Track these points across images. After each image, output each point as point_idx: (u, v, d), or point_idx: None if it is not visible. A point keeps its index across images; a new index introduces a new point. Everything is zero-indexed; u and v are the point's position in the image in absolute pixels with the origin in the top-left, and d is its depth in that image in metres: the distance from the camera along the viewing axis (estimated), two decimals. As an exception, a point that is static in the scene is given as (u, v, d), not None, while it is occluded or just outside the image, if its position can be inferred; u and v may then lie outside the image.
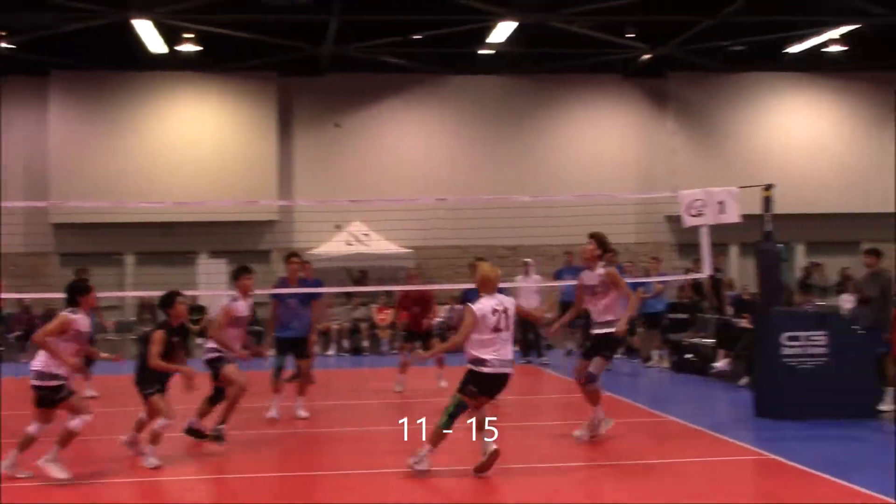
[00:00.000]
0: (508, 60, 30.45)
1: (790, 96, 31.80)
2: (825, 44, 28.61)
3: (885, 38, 28.48)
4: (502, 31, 26.50)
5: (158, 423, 10.59)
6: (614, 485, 9.57)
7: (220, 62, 29.46)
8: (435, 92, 31.51)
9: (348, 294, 25.11)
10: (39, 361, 9.90)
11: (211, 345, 11.98)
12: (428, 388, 16.21)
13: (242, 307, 12.18)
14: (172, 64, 28.93)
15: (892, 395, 13.28)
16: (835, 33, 27.66)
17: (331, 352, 24.14)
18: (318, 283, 15.59)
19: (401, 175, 30.16)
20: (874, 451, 10.79)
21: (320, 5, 24.17)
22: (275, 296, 14.00)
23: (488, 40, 27.63)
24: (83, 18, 25.24)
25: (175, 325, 10.92)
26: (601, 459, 10.74)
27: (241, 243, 28.24)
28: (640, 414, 13.84)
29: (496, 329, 10.21)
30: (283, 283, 14.16)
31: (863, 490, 8.51)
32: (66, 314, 9.96)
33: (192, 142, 29.66)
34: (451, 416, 9.91)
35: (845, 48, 28.88)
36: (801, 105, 31.90)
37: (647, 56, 29.60)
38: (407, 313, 17.24)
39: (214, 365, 11.86)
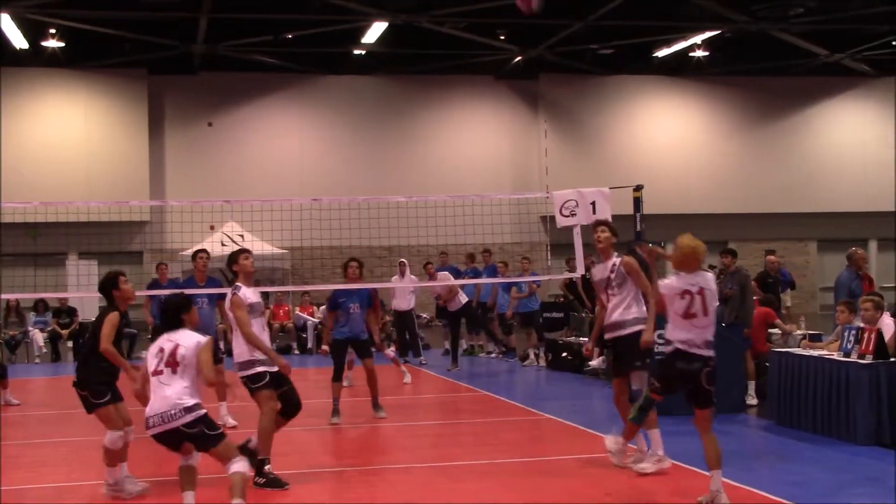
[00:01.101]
0: (381, 61, 30.56)
1: (658, 98, 32.64)
2: (691, 48, 29.43)
3: (746, 44, 29.44)
4: (374, 31, 26.58)
5: (108, 436, 9.05)
6: (491, 483, 9.69)
7: (87, 59, 28.85)
8: (308, 91, 31.43)
9: (220, 295, 24.76)
10: None
11: (240, 353, 9.75)
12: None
13: (250, 294, 10.05)
14: (36, 60, 28.22)
15: (755, 389, 13.80)
16: (699, 38, 28.47)
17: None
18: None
19: (275, 175, 30.00)
20: (740, 445, 11.15)
21: (190, 2, 23.87)
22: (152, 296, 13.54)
23: (362, 40, 27.66)
24: (-59, 12, 24.43)
25: (123, 310, 9.46)
26: (480, 457, 10.85)
27: (112, 244, 27.65)
28: (518, 412, 14.03)
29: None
30: (155, 284, 13.71)
31: (729, 482, 8.80)
32: None
33: (59, 140, 29.02)
34: (643, 410, 9.16)
35: (708, 53, 29.77)
36: (669, 107, 32.79)
37: (518, 58, 29.99)
38: None
39: (256, 382, 9.62)
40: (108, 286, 9.46)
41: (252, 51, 29.15)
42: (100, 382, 9.12)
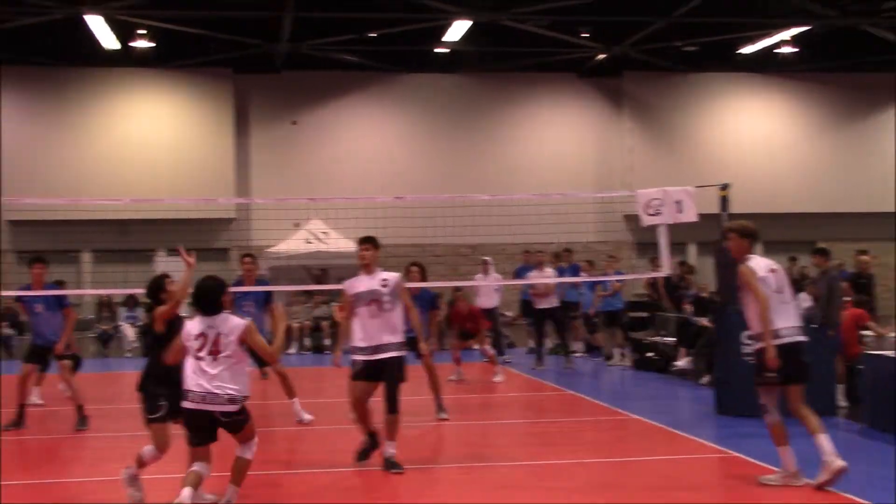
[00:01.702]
0: (464, 59, 30.57)
1: (744, 96, 32.21)
2: (777, 45, 28.98)
3: (833, 39, 28.92)
4: (457, 29, 26.58)
5: (148, 450, 8.73)
6: (577, 482, 9.67)
7: (174, 59, 29.31)
8: (391, 90, 31.56)
9: (308, 292, 25.07)
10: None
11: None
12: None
13: (361, 282, 10.34)
14: (126, 60, 28.75)
15: (844, 392, 13.55)
16: (786, 35, 28.02)
17: (292, 350, 24.11)
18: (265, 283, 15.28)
19: (359, 173, 30.18)
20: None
21: (275, 2, 24.12)
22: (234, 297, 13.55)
23: (444, 39, 27.70)
24: (35, 13, 25.00)
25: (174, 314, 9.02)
26: (566, 457, 10.83)
27: (198, 241, 28.02)
28: (603, 412, 13.98)
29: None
30: (237, 283, 13.74)
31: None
32: None
33: (148, 139, 29.51)
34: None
35: (796, 49, 29.28)
36: (755, 105, 32.32)
37: (601, 56, 29.82)
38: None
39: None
40: (157, 289, 9.13)
41: (335, 50, 29.35)
42: (155, 395, 8.79)
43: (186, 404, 8.03)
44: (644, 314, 20.79)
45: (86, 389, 13.30)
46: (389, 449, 9.97)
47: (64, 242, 27.44)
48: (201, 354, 8.02)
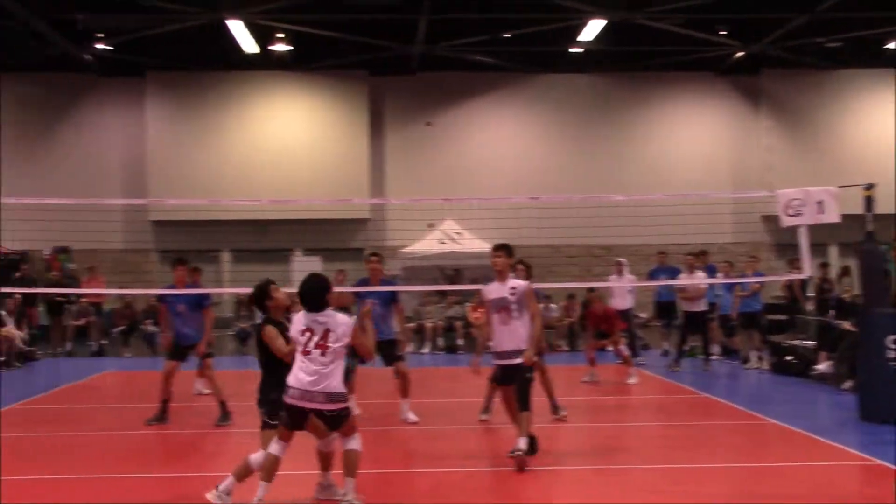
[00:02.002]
0: (598, 58, 30.35)
1: (889, 93, 31.14)
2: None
3: None
4: (592, 29, 26.41)
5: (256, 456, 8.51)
6: (713, 487, 9.50)
7: (311, 61, 29.81)
8: (525, 90, 31.52)
9: (442, 292, 25.21)
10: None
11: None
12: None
13: (494, 289, 10.53)
14: (265, 64, 29.39)
15: None
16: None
17: (425, 350, 24.24)
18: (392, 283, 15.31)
19: (492, 173, 30.23)
20: None
21: (409, 4, 24.31)
22: (357, 296, 13.64)
23: (578, 38, 27.54)
24: (178, 20, 25.75)
25: (278, 319, 9.01)
26: (700, 461, 10.65)
27: (334, 241, 28.57)
28: (740, 416, 13.68)
29: None
30: (363, 283, 13.81)
31: None
32: None
33: (285, 141, 30.08)
34: None
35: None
36: (901, 102, 31.24)
37: (739, 54, 29.26)
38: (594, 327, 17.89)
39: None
40: (262, 297, 9.13)
41: (470, 51, 29.45)
42: (273, 401, 8.67)
43: (288, 400, 8.17)
44: (783, 317, 20.27)
45: (224, 386, 13.59)
46: (520, 444, 10.02)
47: (204, 242, 28.19)
48: (308, 349, 8.17)
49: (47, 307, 25.17)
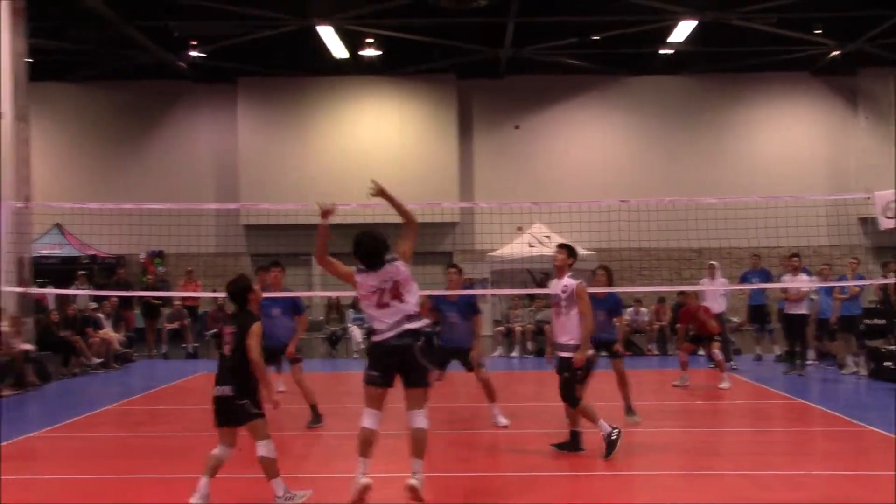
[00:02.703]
0: (689, 59, 29.99)
1: None
2: None
3: None
4: (682, 30, 26.12)
5: (266, 446, 8.61)
6: (808, 495, 9.30)
7: (400, 66, 29.95)
8: (614, 92, 31.31)
9: (531, 296, 25.14)
10: None
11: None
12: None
13: (552, 285, 11.12)
14: (354, 68, 29.60)
15: None
16: None
17: (514, 353, 24.19)
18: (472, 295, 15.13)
19: (581, 176, 30.09)
20: None
21: (497, 8, 24.30)
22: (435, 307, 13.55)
23: (668, 40, 27.26)
24: (269, 26, 26.08)
25: (256, 313, 9.00)
26: (793, 468, 10.43)
27: (423, 244, 28.32)
28: (836, 422, 13.39)
29: None
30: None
31: None
32: None
33: (374, 144, 30.25)
34: None
35: None
36: None
37: (835, 53, 28.68)
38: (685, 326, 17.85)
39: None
40: (244, 292, 8.93)
41: (558, 53, 29.33)
42: (256, 391, 8.65)
43: (380, 338, 8.58)
44: (881, 321, 19.78)
45: (316, 390, 13.69)
46: (603, 433, 10.71)
47: (295, 246, 28.41)
48: (386, 301, 8.62)
49: (143, 310, 25.67)
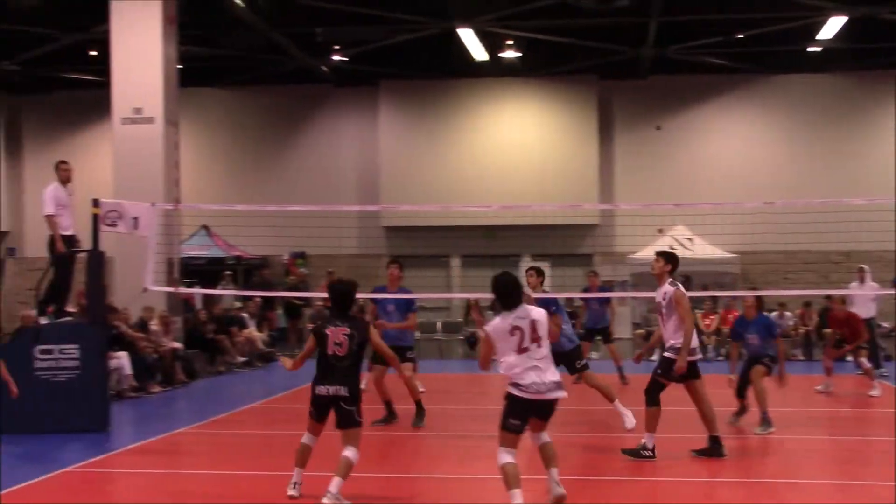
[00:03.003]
0: (839, 57, 29.10)
1: None
2: None
3: None
4: (831, 26, 25.38)
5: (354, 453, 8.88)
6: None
7: (540, 67, 29.84)
8: (759, 92, 30.64)
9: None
10: None
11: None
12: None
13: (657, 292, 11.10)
14: (494, 71, 29.62)
15: None
16: None
17: (654, 357, 23.83)
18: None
19: (724, 178, 29.53)
20: None
21: (639, 7, 24.02)
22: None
23: (817, 37, 26.53)
24: (411, 30, 26.30)
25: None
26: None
27: (562, 246, 28.49)
28: None
29: None
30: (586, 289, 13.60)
31: None
32: None
33: (514, 146, 30.24)
34: None
35: None
36: None
37: None
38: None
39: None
40: (351, 296, 9.23)
41: (702, 52, 28.82)
42: (360, 399, 8.97)
43: (533, 397, 8.17)
44: None
45: (454, 390, 13.70)
46: (644, 440, 10.76)
47: (434, 247, 28.66)
48: (526, 346, 8.21)
49: (285, 310, 26.16)
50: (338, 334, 8.87)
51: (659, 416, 10.85)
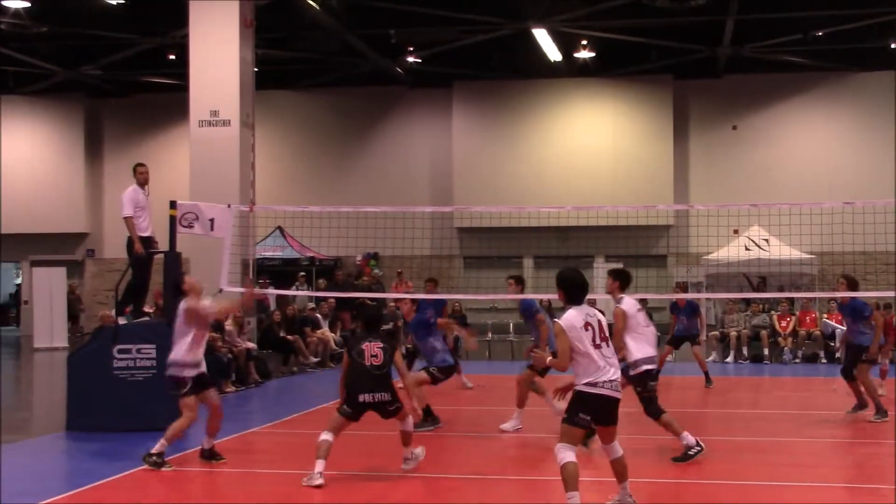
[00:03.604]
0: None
1: None
2: None
3: None
4: (915, 23, 24.88)
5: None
6: None
7: (615, 67, 29.66)
8: (838, 90, 30.17)
9: (747, 301, 24.48)
10: None
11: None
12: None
13: None
14: (568, 71, 29.52)
15: None
16: None
17: (729, 359, 23.61)
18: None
19: (801, 177, 29.12)
20: None
21: (716, 6, 23.75)
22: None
23: (900, 33, 26.03)
24: (485, 31, 26.30)
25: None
26: None
27: (637, 247, 28.24)
28: None
29: None
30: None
31: None
32: None
33: (587, 147, 30.11)
34: None
35: None
36: None
37: None
38: None
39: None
40: (379, 322, 10.89)
41: (779, 51, 28.42)
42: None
43: (615, 394, 8.18)
44: None
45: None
46: (684, 443, 10.72)
47: (507, 248, 28.61)
48: (598, 343, 8.16)
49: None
50: (373, 348, 10.16)
51: (674, 418, 10.96)
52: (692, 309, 18.41)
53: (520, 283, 14.08)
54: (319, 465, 9.70)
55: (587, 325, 8.12)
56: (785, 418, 14.78)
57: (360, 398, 9.97)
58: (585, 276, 8.49)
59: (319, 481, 9.59)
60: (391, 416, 10.18)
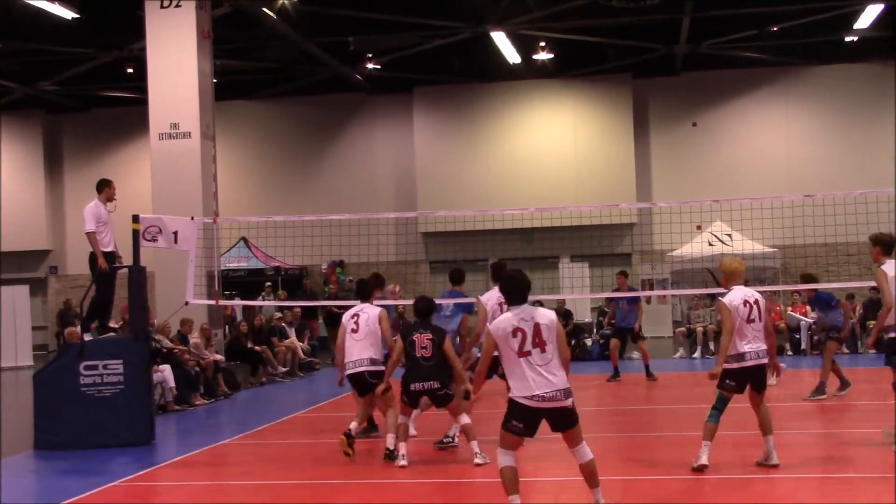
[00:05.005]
0: (876, 47, 28.80)
1: None
2: None
3: None
4: (868, 15, 25.16)
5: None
6: None
7: (574, 68, 29.80)
8: (795, 84, 30.42)
9: (712, 296, 24.60)
10: None
11: None
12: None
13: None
14: (527, 73, 29.62)
15: None
16: None
17: (696, 355, 23.76)
18: None
19: (762, 172, 29.37)
20: None
21: (672, 4, 23.91)
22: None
23: (854, 26, 26.29)
24: (443, 35, 26.35)
25: None
26: None
27: (601, 246, 28.36)
28: None
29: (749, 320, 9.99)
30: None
31: None
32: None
33: (549, 148, 30.22)
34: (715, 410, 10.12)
35: None
36: None
37: None
38: None
39: None
40: (430, 310, 11.36)
41: (736, 47, 28.65)
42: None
43: (544, 405, 7.78)
44: None
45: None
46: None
47: (472, 251, 28.63)
48: (528, 350, 7.79)
49: (326, 319, 26.23)
50: (423, 339, 10.85)
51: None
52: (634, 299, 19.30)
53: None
54: (402, 448, 10.76)
55: (516, 330, 7.82)
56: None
57: (412, 387, 10.83)
58: (526, 277, 8.15)
59: (403, 462, 10.62)
60: (442, 402, 10.89)
